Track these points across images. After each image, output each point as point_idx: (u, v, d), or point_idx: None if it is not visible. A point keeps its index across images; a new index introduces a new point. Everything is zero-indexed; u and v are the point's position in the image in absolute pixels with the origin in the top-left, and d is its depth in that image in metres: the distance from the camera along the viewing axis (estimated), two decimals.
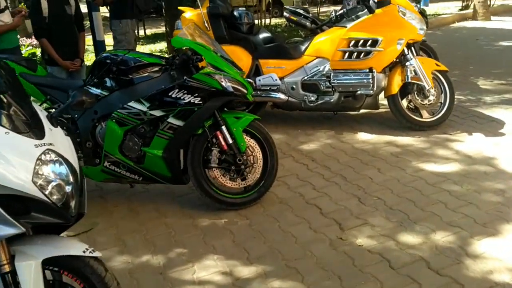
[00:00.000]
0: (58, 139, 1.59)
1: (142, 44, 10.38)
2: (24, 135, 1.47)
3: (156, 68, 2.91)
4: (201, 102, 2.80)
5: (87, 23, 4.99)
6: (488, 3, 11.71)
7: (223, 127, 2.89)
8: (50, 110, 3.06)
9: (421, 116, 4.24)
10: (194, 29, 3.15)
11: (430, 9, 12.59)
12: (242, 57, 4.36)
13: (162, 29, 12.43)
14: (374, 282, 2.25)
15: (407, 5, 4.17)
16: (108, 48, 6.04)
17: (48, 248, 1.51)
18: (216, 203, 2.96)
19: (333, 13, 4.53)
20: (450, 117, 4.28)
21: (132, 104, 2.81)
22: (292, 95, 4.33)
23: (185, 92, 2.78)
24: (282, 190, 3.24)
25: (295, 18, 5.05)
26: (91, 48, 6.94)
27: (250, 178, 3.01)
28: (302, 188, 3.27)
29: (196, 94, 2.79)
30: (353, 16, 4.27)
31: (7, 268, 1.45)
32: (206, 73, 2.80)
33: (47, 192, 1.45)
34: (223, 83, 2.81)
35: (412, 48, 4.22)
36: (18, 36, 7.30)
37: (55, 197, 1.46)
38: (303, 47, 4.38)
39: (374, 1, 4.08)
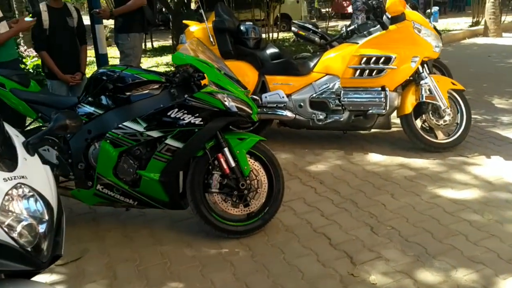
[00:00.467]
0: (34, 170, 1.40)
1: (149, 57, 10.29)
2: None
3: (155, 86, 2.71)
4: (202, 122, 2.60)
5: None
6: (500, 19, 11.52)
7: (226, 149, 2.69)
8: (43, 127, 2.90)
9: (436, 137, 4.01)
10: (197, 44, 2.97)
11: (440, 24, 12.43)
12: (248, 73, 4.19)
13: (169, 42, 12.38)
14: None
15: (422, 21, 3.98)
16: (111, 62, 5.90)
17: None
18: (217, 231, 2.74)
19: (344, 28, 4.34)
20: (466, 138, 4.06)
21: (128, 124, 2.61)
22: (300, 113, 4.14)
23: (185, 112, 2.59)
24: (288, 217, 3.02)
25: (303, 33, 4.88)
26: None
27: (253, 204, 2.79)
28: (309, 214, 3.04)
29: (197, 114, 2.59)
30: (365, 32, 4.08)
31: None
32: (208, 92, 2.61)
33: (15, 234, 1.25)
34: (226, 103, 2.61)
35: (425, 65, 4.02)
36: (25, 47, 7.24)
37: (24, 239, 1.26)
38: (311, 64, 4.20)
39: (387, 17, 3.89)
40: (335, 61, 4.05)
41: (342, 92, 3.99)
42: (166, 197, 2.70)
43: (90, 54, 6.50)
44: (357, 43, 4.01)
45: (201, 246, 2.71)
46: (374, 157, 3.96)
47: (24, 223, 1.27)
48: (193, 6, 13.92)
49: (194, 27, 4.45)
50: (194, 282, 2.39)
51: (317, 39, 4.81)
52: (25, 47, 7.26)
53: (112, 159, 2.65)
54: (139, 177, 2.66)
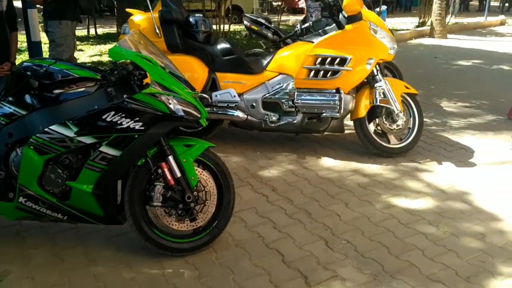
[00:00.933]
0: None
1: (92, 44, 9.62)
2: None
3: (89, 84, 2.37)
4: (143, 128, 2.29)
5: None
6: (445, 21, 11.88)
7: (170, 158, 2.40)
8: None
9: (388, 142, 3.93)
10: (139, 37, 2.64)
11: (387, 24, 12.61)
12: (197, 69, 3.90)
13: (115, 29, 11.70)
14: None
15: (378, 22, 3.87)
16: (46, 51, 5.37)
17: None
18: (159, 249, 2.46)
19: (298, 25, 4.15)
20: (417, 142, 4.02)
21: (55, 127, 2.25)
22: (252, 114, 3.91)
23: (124, 115, 2.26)
24: (238, 230, 2.79)
25: (256, 28, 4.62)
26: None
27: (201, 218, 2.53)
28: (261, 227, 2.83)
29: (138, 118, 2.28)
30: (320, 31, 3.90)
31: None
32: (150, 93, 2.29)
33: None
34: (171, 106, 2.32)
35: (379, 67, 3.92)
36: None
37: None
38: (265, 62, 3.97)
39: (344, 16, 3.73)
40: (289, 60, 3.85)
41: (296, 93, 3.80)
42: (100, 211, 2.38)
43: (22, 41, 5.89)
44: (312, 42, 3.83)
45: (141, 266, 2.42)
46: (328, 162, 3.82)
47: None
48: None
49: (139, 17, 4.08)
50: None
51: (270, 35, 4.57)
52: None
53: (37, 168, 2.29)
54: (69, 189, 2.32)
